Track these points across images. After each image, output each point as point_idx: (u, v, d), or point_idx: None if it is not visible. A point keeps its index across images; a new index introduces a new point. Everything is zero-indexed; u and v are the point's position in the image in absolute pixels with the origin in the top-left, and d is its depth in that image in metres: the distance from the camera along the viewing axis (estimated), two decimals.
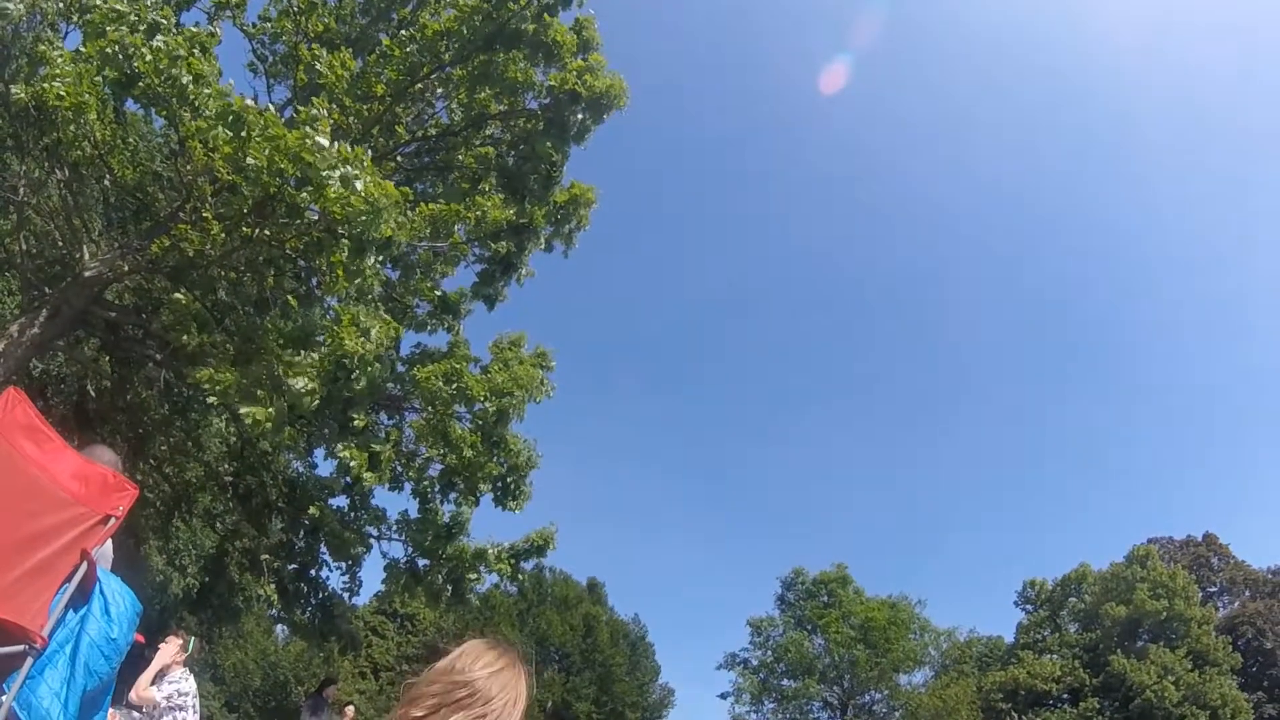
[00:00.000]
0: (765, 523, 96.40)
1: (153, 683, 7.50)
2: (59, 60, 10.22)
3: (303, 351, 10.81)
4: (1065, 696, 45.67)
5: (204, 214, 11.93)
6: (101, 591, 3.49)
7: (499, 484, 14.46)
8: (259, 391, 10.71)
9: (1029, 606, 52.76)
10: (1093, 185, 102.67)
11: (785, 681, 49.75)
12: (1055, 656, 47.69)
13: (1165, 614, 43.92)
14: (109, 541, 3.82)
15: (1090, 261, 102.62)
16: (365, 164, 10.49)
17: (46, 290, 13.08)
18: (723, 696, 51.00)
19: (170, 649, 7.61)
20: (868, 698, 48.58)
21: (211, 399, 11.14)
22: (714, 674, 58.80)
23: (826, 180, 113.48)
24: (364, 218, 10.28)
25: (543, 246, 16.40)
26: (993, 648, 54.12)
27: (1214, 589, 51.00)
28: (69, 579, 3.40)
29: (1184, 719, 40.11)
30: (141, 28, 10.45)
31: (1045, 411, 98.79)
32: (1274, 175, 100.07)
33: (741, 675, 50.94)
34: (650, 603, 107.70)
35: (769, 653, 51.22)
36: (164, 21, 10.90)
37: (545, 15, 13.86)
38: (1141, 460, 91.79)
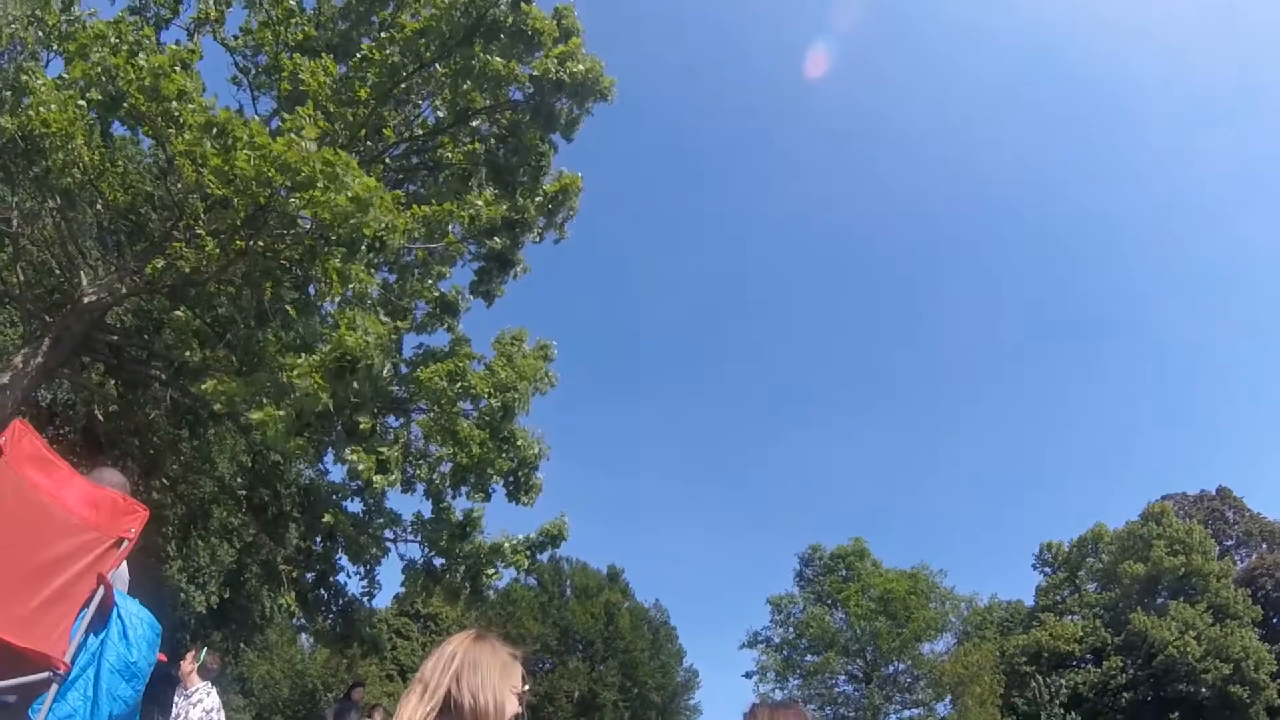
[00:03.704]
0: (779, 502, 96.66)
1: (176, 702, 7.59)
2: (42, 89, 10.24)
3: (303, 355, 10.83)
4: (1088, 657, 45.80)
5: (198, 231, 11.96)
6: (119, 615, 3.52)
7: (510, 478, 14.49)
8: (264, 399, 10.75)
9: (1047, 569, 52.88)
10: (1088, 151, 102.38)
11: (808, 657, 49.88)
12: (1076, 618, 47.81)
13: (1183, 570, 43.96)
14: (124, 564, 3.86)
15: (1091, 226, 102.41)
16: (350, 165, 10.51)
17: (47, 319, 13.13)
18: (748, 675, 51.18)
19: (187, 666, 7.73)
20: (891, 668, 48.67)
21: (217, 407, 11.19)
22: (738, 654, 59.13)
23: (823, 160, 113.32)
24: (352, 218, 10.30)
25: (536, 238, 16.42)
26: (1013, 612, 54.24)
27: (1230, 542, 50.99)
28: (87, 604, 3.44)
29: (1207, 673, 40.20)
30: (123, 49, 10.47)
31: (1051, 375, 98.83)
32: (1272, 133, 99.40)
33: (765, 653, 51.06)
34: (670, 587, 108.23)
35: (790, 629, 51.30)
36: (145, 41, 10.92)
37: (522, 3, 13.79)
38: (1152, 418, 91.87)
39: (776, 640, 51.55)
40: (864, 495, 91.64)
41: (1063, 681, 41.87)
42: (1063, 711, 39.51)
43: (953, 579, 51.50)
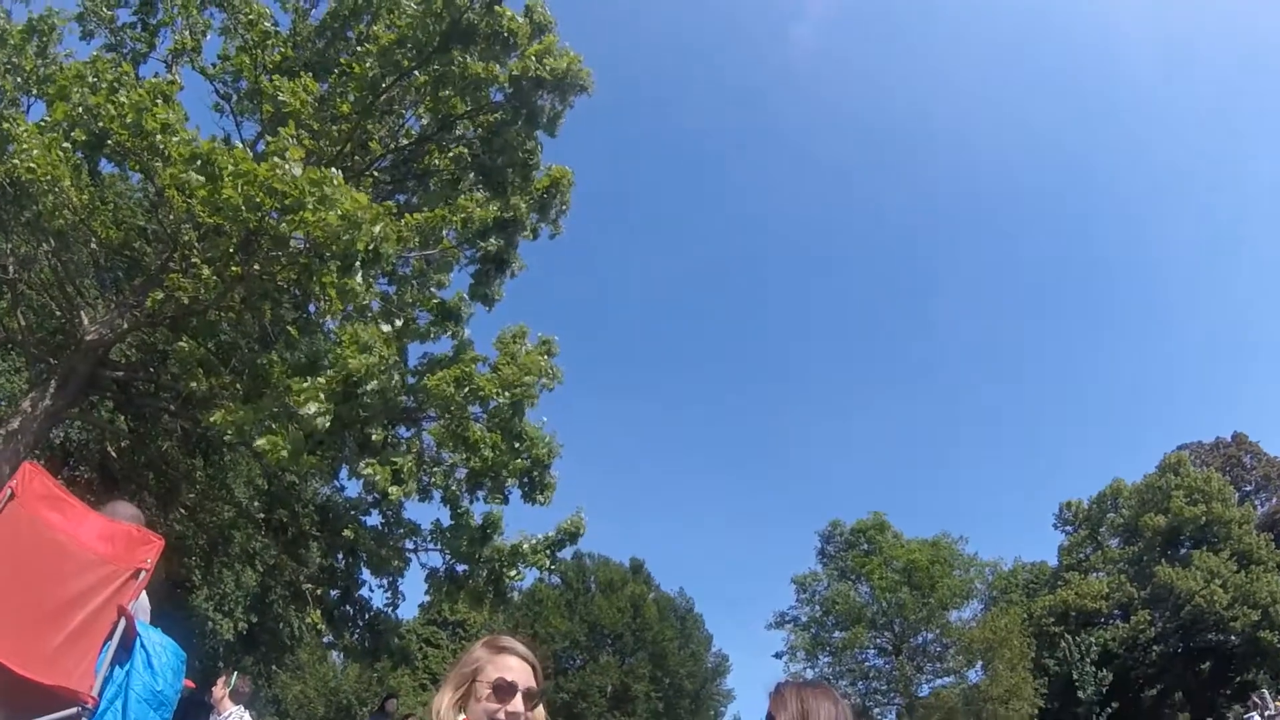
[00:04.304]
0: (796, 482, 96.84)
1: None
2: (24, 135, 10.29)
3: (309, 378, 10.88)
4: (1116, 613, 45.72)
5: (193, 260, 12.00)
6: (143, 645, 3.58)
7: (524, 479, 14.52)
8: (273, 424, 10.79)
9: (1068, 528, 52.78)
10: (1090, 107, 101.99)
11: (836, 634, 49.90)
12: (1100, 574, 47.72)
13: (1204, 518, 43.81)
14: (144, 594, 3.92)
15: (1093, 180, 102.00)
16: (337, 182, 10.54)
17: (52, 361, 13.19)
18: (777, 656, 51.25)
19: (218, 691, 7.84)
20: (920, 638, 48.66)
21: (227, 437, 11.24)
22: (767, 636, 59.23)
23: (823, 140, 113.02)
24: (344, 235, 10.34)
25: (530, 235, 16.42)
26: (1038, 573, 54.17)
27: (1249, 488, 50.65)
28: (110, 636, 3.50)
29: (1236, 621, 40.09)
30: (103, 87, 10.51)
31: (1058, 334, 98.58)
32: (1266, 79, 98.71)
33: (793, 633, 51.11)
34: (693, 575, 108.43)
35: (816, 607, 51.30)
36: (124, 77, 10.95)
37: (495, 5, 13.79)
38: (1162, 369, 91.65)
39: (803, 619, 51.62)
40: (879, 470, 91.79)
41: (1092, 639, 41.85)
42: (1094, 669, 39.50)
43: (975, 545, 51.49)
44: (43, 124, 10.80)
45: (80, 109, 10.33)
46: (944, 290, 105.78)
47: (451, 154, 15.84)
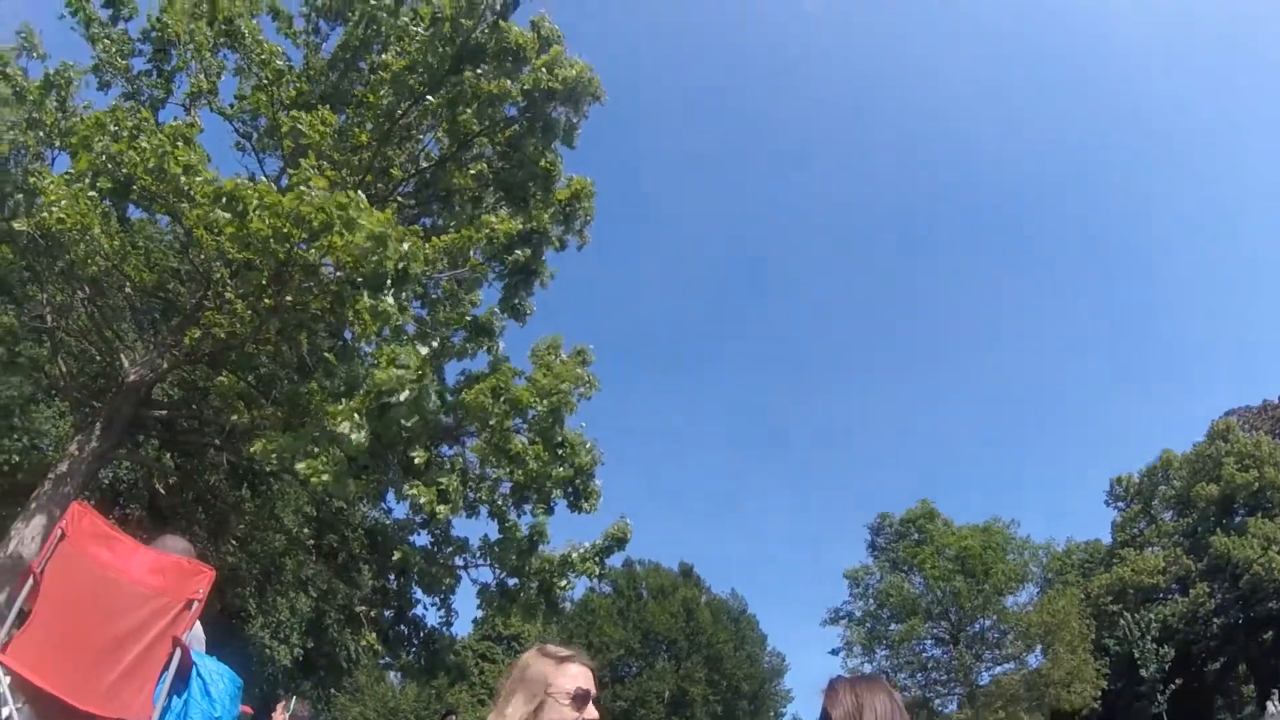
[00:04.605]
0: (842, 476, 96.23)
1: None
2: (51, 187, 10.54)
3: (344, 401, 10.99)
4: (1174, 587, 44.81)
5: (227, 296, 12.20)
6: (199, 674, 3.64)
7: (569, 488, 14.53)
8: (315, 449, 10.90)
9: (1120, 504, 51.90)
10: (1112, 74, 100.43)
11: (893, 626, 49.41)
12: (1156, 549, 46.87)
13: (1257, 484, 42.85)
14: (198, 624, 3.99)
15: (1115, 153, 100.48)
16: (362, 205, 10.67)
17: (95, 404, 13.45)
18: (834, 653, 50.87)
19: (278, 716, 7.94)
20: (977, 626, 48.00)
21: (270, 466, 11.39)
22: (823, 633, 58.83)
23: (837, 125, 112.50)
24: (373, 255, 10.46)
25: (556, 246, 16.46)
26: (1092, 552, 53.33)
27: None
28: (166, 668, 3.56)
29: None
30: (124, 134, 10.74)
31: (1097, 310, 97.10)
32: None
33: (848, 628, 50.70)
34: (743, 575, 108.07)
35: (870, 601, 50.86)
36: (144, 123, 11.18)
37: (500, 22, 13.92)
38: (1203, 337, 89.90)
39: (858, 614, 51.16)
40: (923, 459, 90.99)
41: (1151, 616, 41.09)
42: (1155, 646, 38.75)
43: (1027, 527, 50.80)
44: (68, 175, 11.02)
45: (104, 157, 10.54)
46: (972, 278, 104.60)
47: (472, 172, 15.97)
